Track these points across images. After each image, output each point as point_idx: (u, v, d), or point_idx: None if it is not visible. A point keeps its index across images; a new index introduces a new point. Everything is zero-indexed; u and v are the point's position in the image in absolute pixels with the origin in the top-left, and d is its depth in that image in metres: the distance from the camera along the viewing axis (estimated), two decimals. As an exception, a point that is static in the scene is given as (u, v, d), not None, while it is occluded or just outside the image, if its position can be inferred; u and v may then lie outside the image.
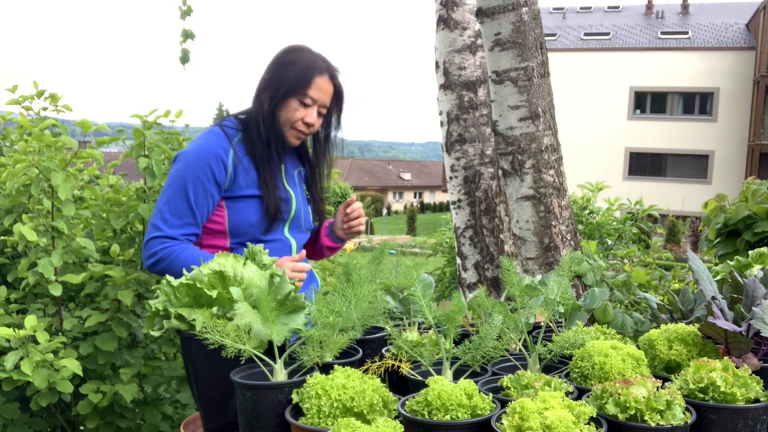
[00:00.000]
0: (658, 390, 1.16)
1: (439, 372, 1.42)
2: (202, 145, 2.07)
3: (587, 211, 5.29)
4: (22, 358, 2.26)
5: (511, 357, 1.52)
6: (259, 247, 1.60)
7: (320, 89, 2.11)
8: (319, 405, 1.20)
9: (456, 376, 1.41)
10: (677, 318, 1.81)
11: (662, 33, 31.86)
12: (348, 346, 1.47)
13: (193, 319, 1.41)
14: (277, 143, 2.12)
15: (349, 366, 1.31)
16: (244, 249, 1.63)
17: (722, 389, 1.22)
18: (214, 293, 1.44)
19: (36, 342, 2.32)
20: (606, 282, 2.60)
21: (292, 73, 2.09)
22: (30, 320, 2.27)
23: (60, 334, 2.56)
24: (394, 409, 1.25)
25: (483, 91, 3.25)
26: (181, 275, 1.74)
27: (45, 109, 2.94)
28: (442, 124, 3.36)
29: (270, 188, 2.08)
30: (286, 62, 2.11)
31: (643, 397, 1.14)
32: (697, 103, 30.46)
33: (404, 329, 1.67)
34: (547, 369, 1.50)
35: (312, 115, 2.11)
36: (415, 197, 61.15)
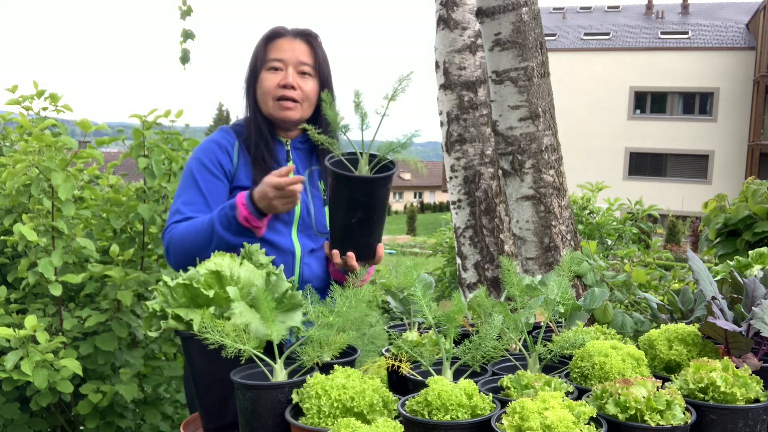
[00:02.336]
0: (658, 390, 1.16)
1: (439, 372, 1.42)
2: (208, 139, 2.10)
3: (587, 211, 5.29)
4: (22, 358, 2.26)
5: (511, 357, 1.52)
6: (255, 246, 1.59)
7: (281, 48, 2.04)
8: (319, 405, 1.20)
9: (456, 376, 1.41)
10: (677, 318, 1.81)
11: (662, 33, 31.86)
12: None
13: (190, 320, 1.41)
14: (267, 129, 2.05)
15: (348, 365, 1.31)
16: (241, 248, 1.59)
17: (722, 389, 1.22)
18: (211, 293, 1.44)
19: (36, 342, 2.32)
20: (606, 282, 2.60)
21: (254, 51, 2.08)
22: (30, 320, 2.27)
23: (60, 334, 2.56)
24: (394, 409, 1.25)
25: (483, 91, 3.25)
26: (188, 250, 1.86)
27: (45, 109, 2.94)
28: (442, 124, 3.36)
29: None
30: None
31: (643, 397, 1.14)
32: (697, 103, 30.45)
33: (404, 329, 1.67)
34: (547, 369, 1.50)
35: (288, 77, 2.02)
36: (415, 197, 61.13)
